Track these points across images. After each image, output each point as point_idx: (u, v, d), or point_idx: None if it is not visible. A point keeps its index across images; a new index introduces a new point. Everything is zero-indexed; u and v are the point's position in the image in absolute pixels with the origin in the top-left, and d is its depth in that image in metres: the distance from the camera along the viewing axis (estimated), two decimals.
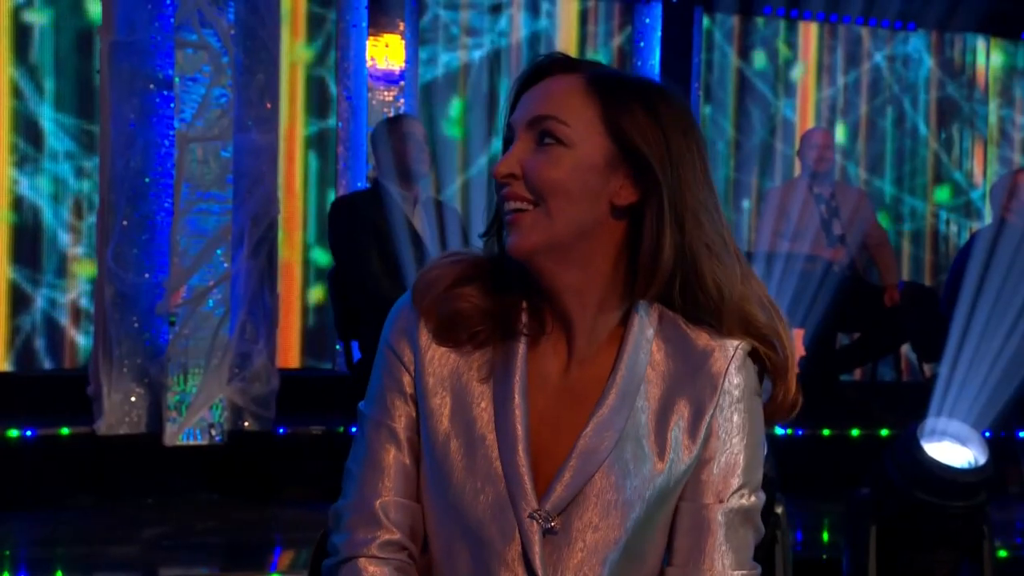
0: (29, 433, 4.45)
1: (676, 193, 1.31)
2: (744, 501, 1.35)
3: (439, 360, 1.35)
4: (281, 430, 4.72)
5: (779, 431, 4.72)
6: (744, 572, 1.34)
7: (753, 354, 1.37)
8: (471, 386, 1.34)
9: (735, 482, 1.35)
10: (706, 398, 1.34)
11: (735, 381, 1.35)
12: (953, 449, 3.37)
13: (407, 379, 1.36)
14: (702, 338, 1.36)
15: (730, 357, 1.35)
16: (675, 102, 1.34)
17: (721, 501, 1.34)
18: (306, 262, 5.88)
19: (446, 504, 1.32)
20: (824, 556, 3.91)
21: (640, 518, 1.32)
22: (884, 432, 4.99)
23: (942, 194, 7.15)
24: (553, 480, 1.31)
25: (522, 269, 1.34)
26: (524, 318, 1.35)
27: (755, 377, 1.37)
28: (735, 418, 1.35)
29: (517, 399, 1.32)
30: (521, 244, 1.31)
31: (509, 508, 1.30)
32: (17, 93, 5.45)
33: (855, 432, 5.09)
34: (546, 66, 1.37)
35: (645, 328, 1.35)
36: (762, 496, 1.37)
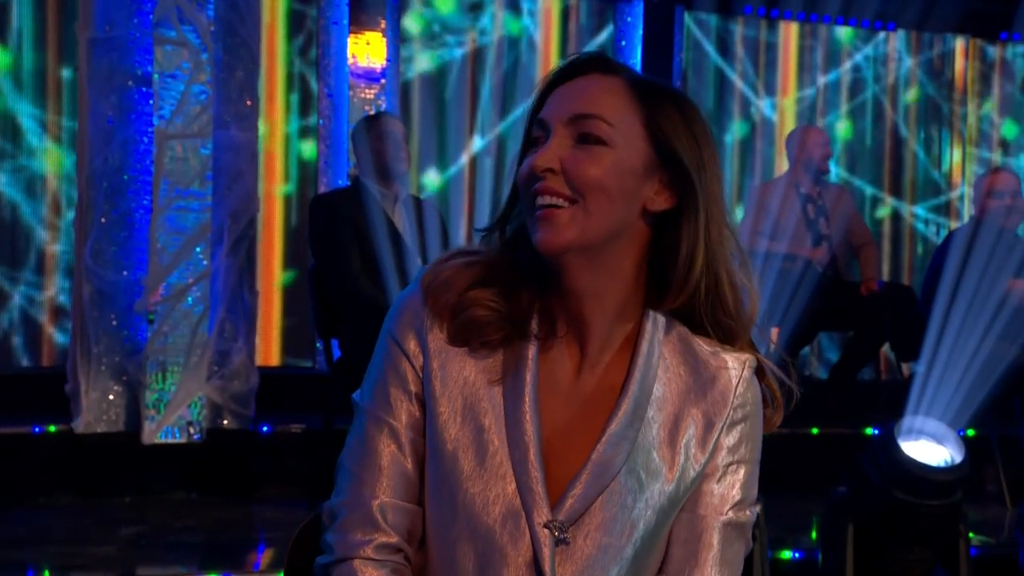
0: (5, 431, 4.42)
1: (707, 202, 1.32)
2: (741, 516, 1.36)
3: (449, 362, 1.33)
4: (261, 428, 4.71)
5: None
6: None
7: (758, 370, 1.39)
8: (481, 390, 1.32)
9: (735, 496, 1.36)
10: (717, 411, 1.35)
11: (745, 396, 1.36)
12: (930, 448, 3.39)
13: (413, 377, 1.34)
14: (711, 349, 1.37)
15: (740, 372, 1.36)
16: (701, 113, 1.36)
17: (720, 514, 1.35)
18: (285, 259, 5.87)
19: (454, 508, 1.30)
20: (801, 554, 3.93)
21: (650, 529, 1.32)
22: (862, 431, 5.01)
23: (921, 194, 7.19)
24: (566, 490, 1.30)
25: (537, 269, 1.33)
26: (536, 321, 1.34)
27: (760, 393, 1.39)
28: (741, 433, 1.36)
29: (528, 404, 1.30)
30: (555, 240, 1.29)
31: (522, 516, 1.29)
32: None
33: (833, 431, 5.11)
34: (581, 64, 1.36)
35: (656, 337, 1.35)
36: (755, 511, 1.39)
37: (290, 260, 5.80)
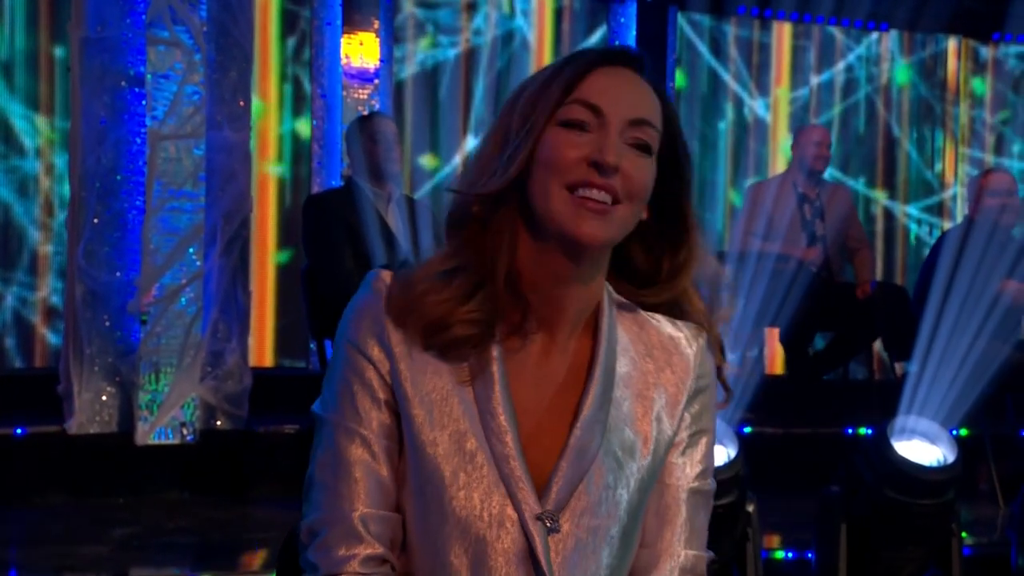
0: None
1: (692, 207, 1.38)
2: (705, 484, 1.41)
3: (416, 365, 1.32)
4: (255, 429, 4.70)
5: (749, 429, 4.75)
6: (704, 554, 1.40)
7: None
8: (452, 391, 1.31)
9: (700, 466, 1.40)
10: (680, 383, 1.39)
11: (703, 367, 1.41)
12: (922, 447, 3.40)
13: (380, 383, 1.32)
14: (664, 325, 1.41)
15: (697, 343, 1.40)
16: None
17: (688, 483, 1.39)
18: (279, 240, 5.87)
19: (443, 512, 1.29)
20: (795, 554, 3.93)
21: (633, 505, 1.34)
22: (855, 430, 5.02)
23: (913, 194, 7.20)
24: (549, 479, 1.31)
25: (514, 251, 1.32)
26: (504, 320, 1.34)
27: (714, 364, 1.43)
28: (702, 403, 1.41)
29: (499, 399, 1.31)
30: (602, 236, 1.30)
31: (512, 512, 1.29)
32: None
33: (826, 430, 5.12)
34: (626, 57, 1.35)
35: (612, 316, 1.38)
36: (715, 482, 1.43)
37: (283, 241, 5.81)
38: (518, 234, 1.32)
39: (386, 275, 1.36)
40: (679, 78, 6.67)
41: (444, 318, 1.30)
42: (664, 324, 1.40)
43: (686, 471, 1.39)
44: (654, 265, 1.39)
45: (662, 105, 1.35)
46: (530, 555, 1.29)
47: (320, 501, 1.32)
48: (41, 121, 5.46)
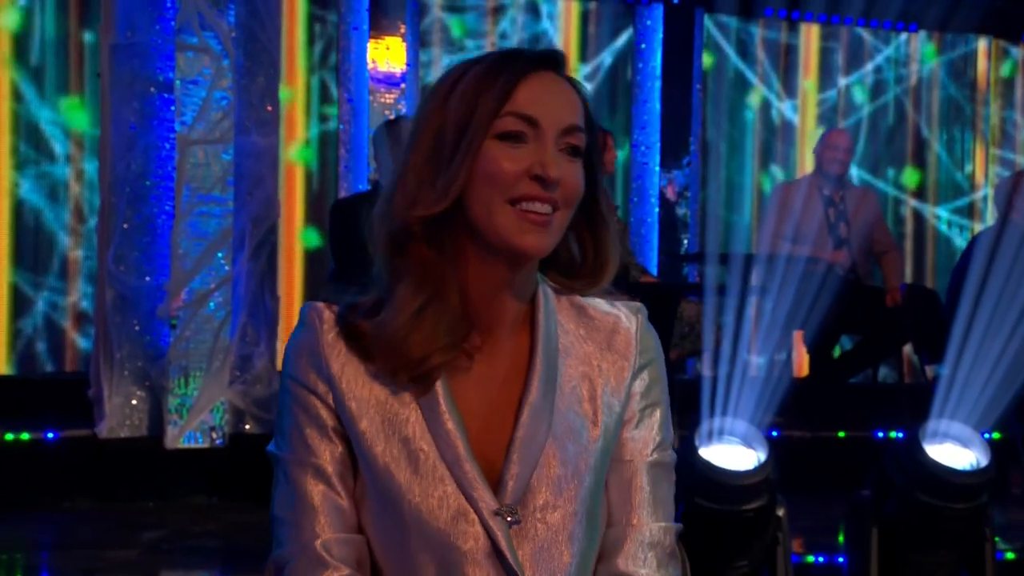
0: (29, 436, 4.45)
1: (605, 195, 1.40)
2: (664, 456, 1.41)
3: (357, 382, 1.33)
4: None
5: (778, 432, 4.72)
6: (671, 525, 1.40)
7: None
8: (395, 403, 1.32)
9: (656, 438, 1.40)
10: (623, 361, 1.39)
11: (645, 343, 1.41)
12: (955, 451, 3.36)
13: (326, 412, 1.33)
14: (601, 305, 1.42)
15: (636, 320, 1.42)
16: None
17: (645, 457, 1.39)
18: (304, 262, 5.89)
19: (403, 523, 1.30)
20: (825, 558, 3.91)
21: (591, 486, 1.35)
22: (886, 434, 4.98)
23: (943, 195, 7.15)
24: (502, 474, 1.32)
25: (455, 265, 1.32)
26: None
27: (657, 336, 1.43)
28: (649, 377, 1.41)
29: (444, 405, 1.31)
30: (547, 245, 1.31)
31: (470, 512, 1.30)
32: (17, 96, 5.46)
33: (856, 434, 5.08)
34: (553, 59, 1.37)
35: (550, 307, 1.38)
36: (674, 453, 1.43)
37: (309, 219, 5.84)
38: (461, 247, 1.33)
39: (320, 307, 1.36)
40: (705, 79, 6.65)
41: (424, 353, 1.31)
42: (601, 304, 1.41)
43: (642, 445, 1.39)
44: (577, 257, 1.40)
45: (585, 103, 1.36)
46: (495, 552, 1.29)
47: (283, 536, 1.34)
48: (71, 127, 5.50)
